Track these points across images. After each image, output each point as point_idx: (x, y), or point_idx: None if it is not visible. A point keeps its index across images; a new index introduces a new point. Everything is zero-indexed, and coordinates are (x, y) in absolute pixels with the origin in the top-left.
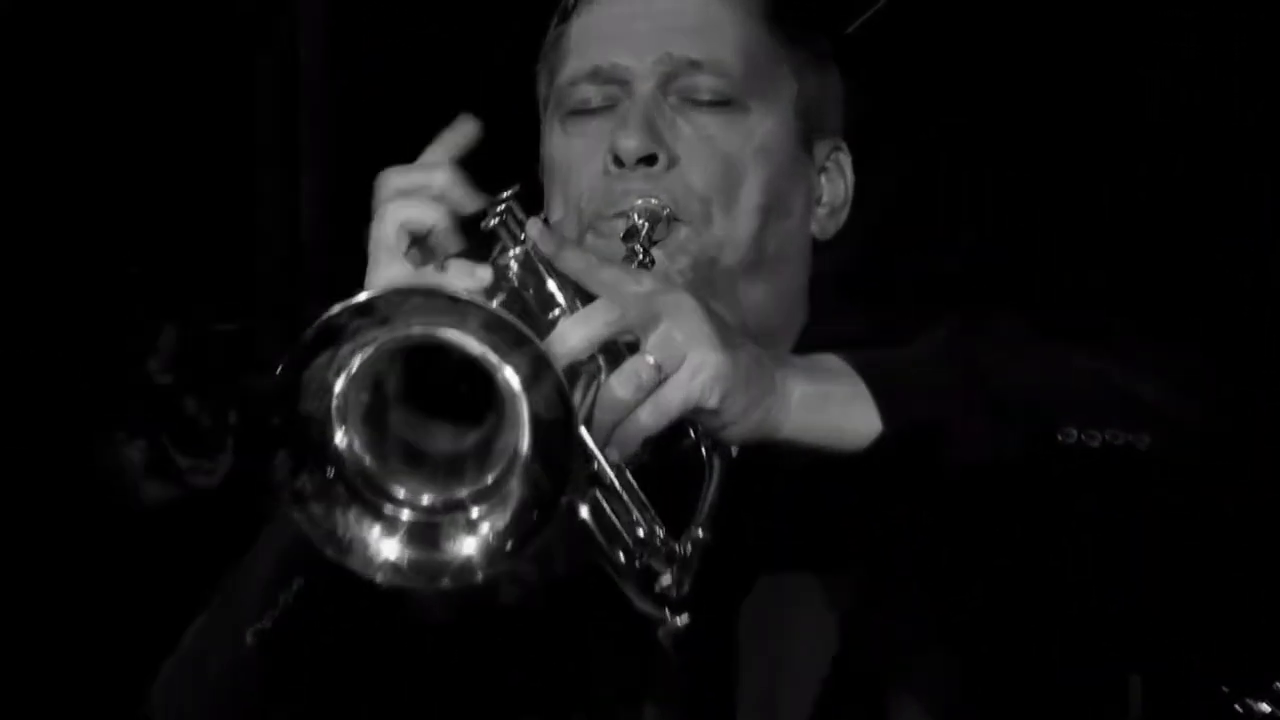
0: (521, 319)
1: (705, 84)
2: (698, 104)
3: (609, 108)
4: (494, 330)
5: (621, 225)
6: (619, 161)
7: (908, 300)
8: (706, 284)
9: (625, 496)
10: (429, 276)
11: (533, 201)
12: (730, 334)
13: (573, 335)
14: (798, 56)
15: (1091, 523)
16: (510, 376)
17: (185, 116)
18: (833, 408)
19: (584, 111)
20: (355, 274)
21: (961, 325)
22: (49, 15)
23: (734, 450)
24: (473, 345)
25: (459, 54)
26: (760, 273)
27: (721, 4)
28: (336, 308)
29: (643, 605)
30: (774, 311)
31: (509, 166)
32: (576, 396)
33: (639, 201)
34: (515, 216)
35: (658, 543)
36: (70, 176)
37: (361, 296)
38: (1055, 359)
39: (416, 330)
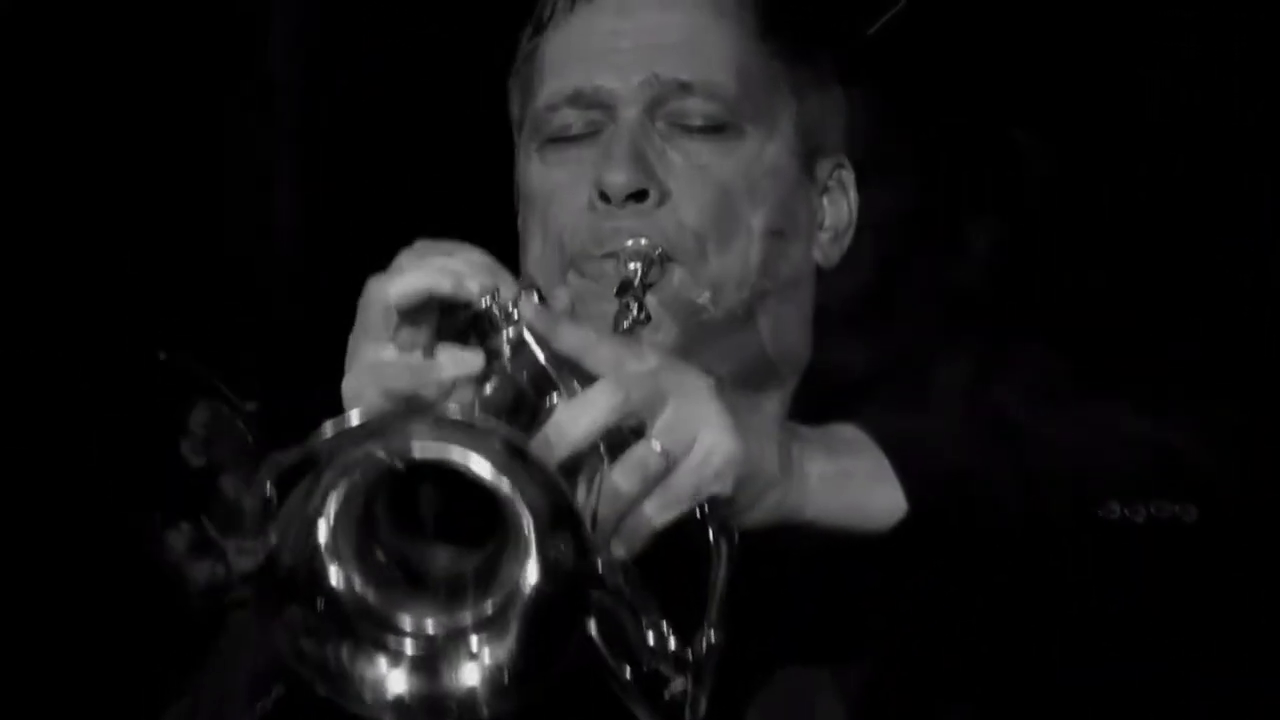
0: (515, 406)
1: (696, 108)
2: (688, 130)
3: (591, 134)
4: (500, 457)
5: (610, 266)
6: (605, 198)
7: (911, 318)
8: (704, 327)
9: (630, 599)
10: (415, 363)
11: (507, 228)
12: (742, 412)
13: (573, 426)
14: (797, 73)
15: (1131, 598)
16: (514, 500)
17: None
18: (854, 487)
19: (564, 139)
20: None
21: (981, 365)
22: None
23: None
24: (470, 467)
25: (432, 79)
26: (761, 309)
27: (713, 18)
28: (327, 429)
29: None
30: (777, 349)
31: (482, 189)
32: (580, 494)
33: (629, 243)
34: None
35: (668, 650)
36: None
37: (352, 419)
38: (1091, 419)
39: (415, 453)
